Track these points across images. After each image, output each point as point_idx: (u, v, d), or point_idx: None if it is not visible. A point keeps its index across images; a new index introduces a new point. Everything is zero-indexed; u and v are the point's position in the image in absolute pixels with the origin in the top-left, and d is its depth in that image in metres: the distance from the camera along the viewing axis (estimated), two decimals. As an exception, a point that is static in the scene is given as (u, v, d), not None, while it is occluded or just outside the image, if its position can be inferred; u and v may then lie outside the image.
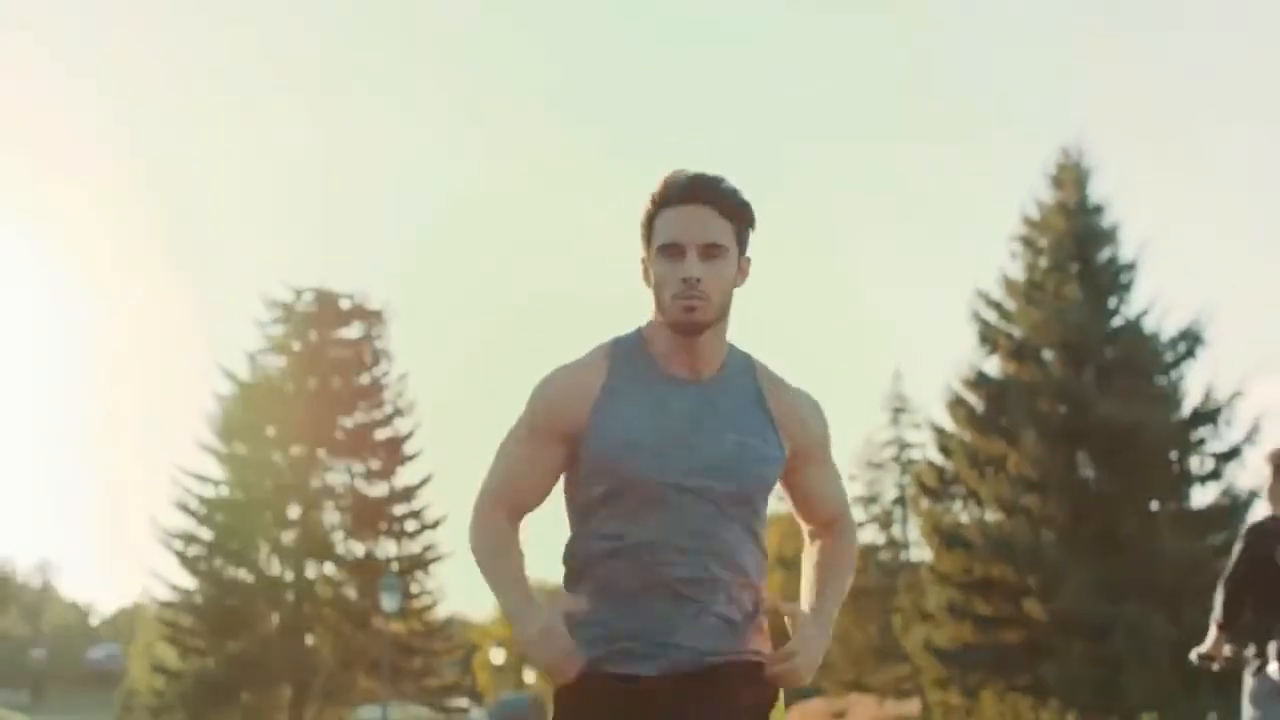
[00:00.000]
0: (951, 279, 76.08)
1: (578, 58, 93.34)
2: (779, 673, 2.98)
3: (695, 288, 2.95)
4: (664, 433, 2.98)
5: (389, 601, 31.00)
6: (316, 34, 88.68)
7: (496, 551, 3.09)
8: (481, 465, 3.15)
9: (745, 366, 3.11)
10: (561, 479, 3.12)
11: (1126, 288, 30.46)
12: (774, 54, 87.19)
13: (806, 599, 3.15)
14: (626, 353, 3.08)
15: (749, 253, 3.09)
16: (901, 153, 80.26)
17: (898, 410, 43.78)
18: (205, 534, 36.57)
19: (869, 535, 43.35)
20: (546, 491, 3.11)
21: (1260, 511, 12.74)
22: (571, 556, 3.08)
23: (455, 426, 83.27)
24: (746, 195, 3.07)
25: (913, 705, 38.16)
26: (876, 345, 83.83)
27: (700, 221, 2.98)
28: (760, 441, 3.02)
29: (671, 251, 2.98)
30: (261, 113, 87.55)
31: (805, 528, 3.29)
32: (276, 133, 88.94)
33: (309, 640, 36.40)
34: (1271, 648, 6.40)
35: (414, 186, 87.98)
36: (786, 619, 3.08)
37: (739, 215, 3.03)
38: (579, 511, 3.07)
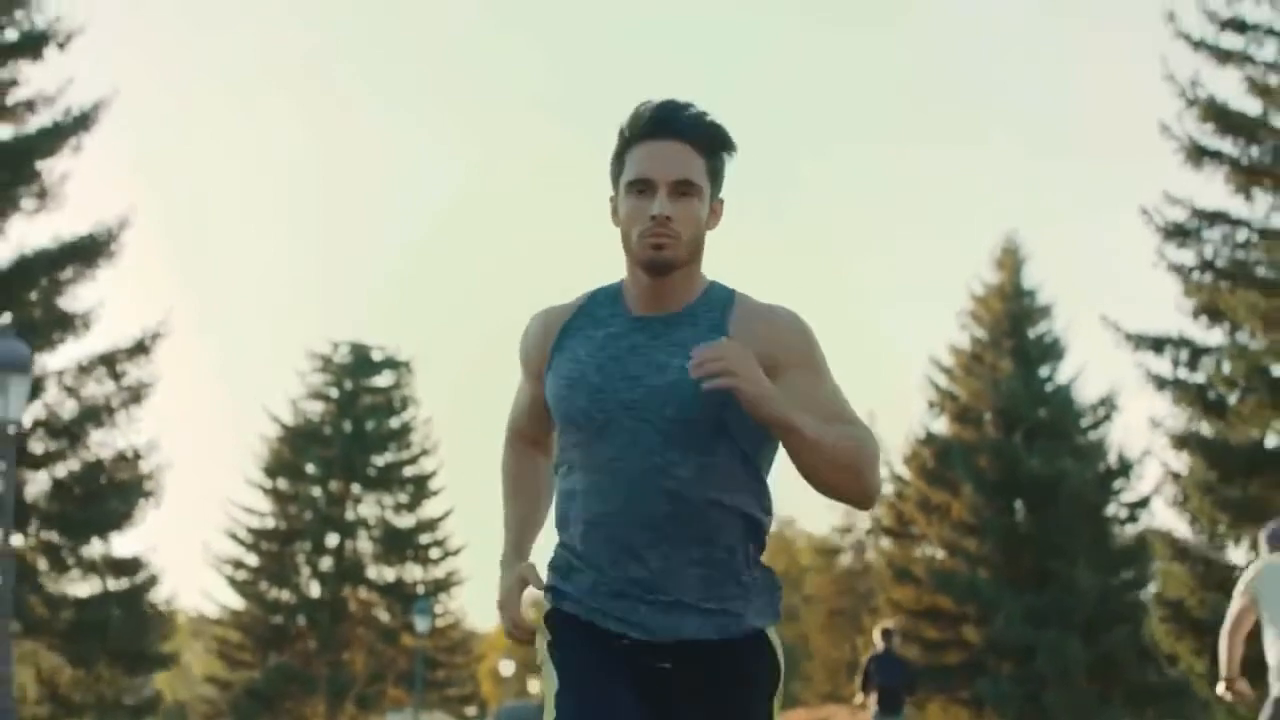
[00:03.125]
0: (945, 293, 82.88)
1: (579, 69, 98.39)
2: (695, 366, 2.78)
3: (665, 225, 2.90)
4: (613, 368, 2.96)
5: (421, 623, 37.89)
6: (316, 34, 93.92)
7: (507, 490, 3.27)
8: (498, 501, 3.29)
9: (720, 300, 3.02)
10: None
11: (1058, 358, 37.33)
12: (771, 61, 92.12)
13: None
14: (601, 297, 3.08)
15: (723, 194, 3.03)
16: (899, 162, 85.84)
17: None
18: (252, 560, 43.19)
19: (847, 560, 50.24)
20: (546, 423, 3.16)
21: None
22: (556, 494, 3.12)
23: (474, 465, 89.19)
24: (722, 123, 3.00)
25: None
26: (873, 358, 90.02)
27: (672, 157, 2.93)
28: None
29: (641, 188, 2.94)
30: (262, 125, 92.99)
31: None
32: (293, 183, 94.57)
33: (344, 655, 43.00)
34: None
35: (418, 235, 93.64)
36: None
37: (714, 149, 2.98)
38: (557, 454, 3.10)
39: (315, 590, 42.76)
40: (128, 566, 22.90)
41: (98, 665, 21.78)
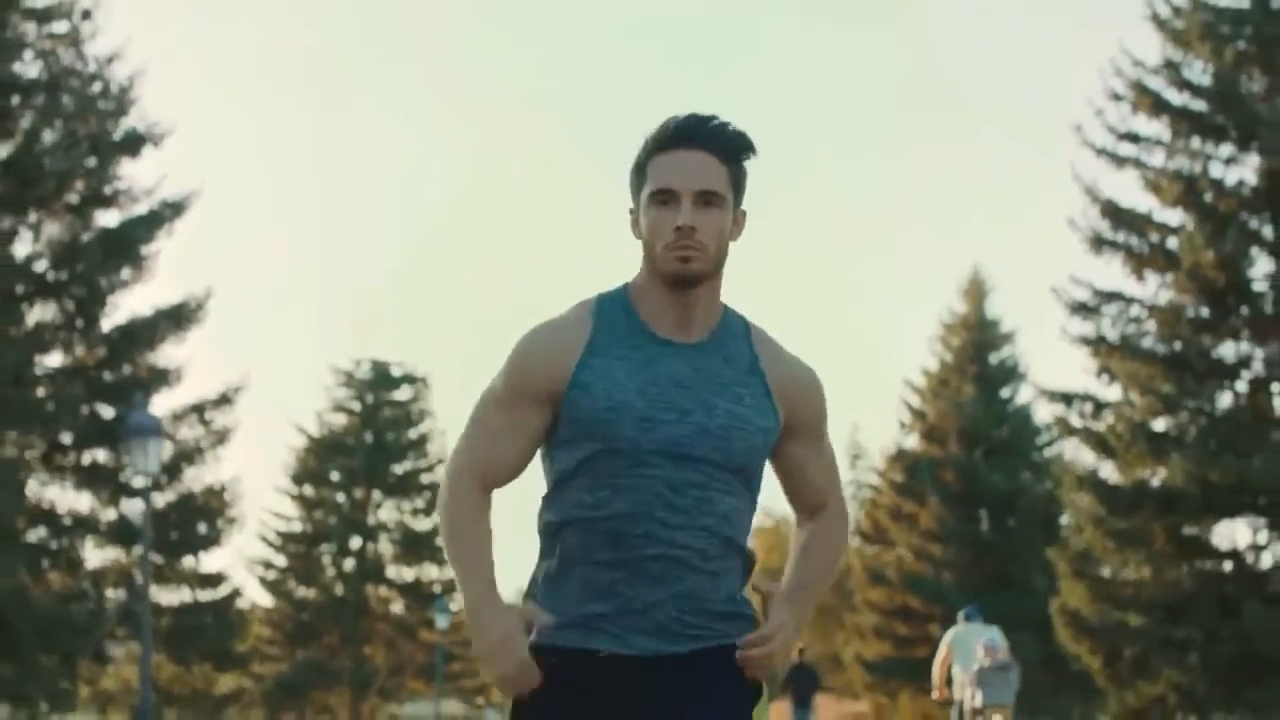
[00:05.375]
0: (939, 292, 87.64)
1: (577, 67, 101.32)
2: (749, 656, 2.98)
3: (690, 237, 2.92)
4: (652, 397, 2.96)
5: (441, 620, 43.48)
6: (315, 33, 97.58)
7: (466, 534, 3.02)
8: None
9: (741, 330, 3.09)
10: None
11: (1019, 380, 42.89)
12: (769, 58, 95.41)
13: (786, 583, 3.15)
14: (612, 310, 3.05)
15: (745, 206, 3.06)
16: (894, 160, 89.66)
17: (855, 457, 56.58)
18: (280, 561, 48.39)
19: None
20: (527, 459, 3.07)
21: None
22: (546, 525, 3.07)
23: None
24: (744, 131, 3.04)
25: (862, 705, 50.73)
26: (872, 354, 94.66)
27: (696, 167, 2.96)
28: (753, 411, 3.01)
29: (664, 199, 2.96)
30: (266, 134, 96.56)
31: (794, 510, 3.27)
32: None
33: (366, 649, 48.30)
34: None
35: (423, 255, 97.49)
36: (762, 599, 3.08)
37: (736, 158, 3.01)
38: (555, 477, 3.04)
39: (339, 589, 47.56)
40: (214, 580, 28.66)
41: (192, 663, 27.48)
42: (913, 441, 43.29)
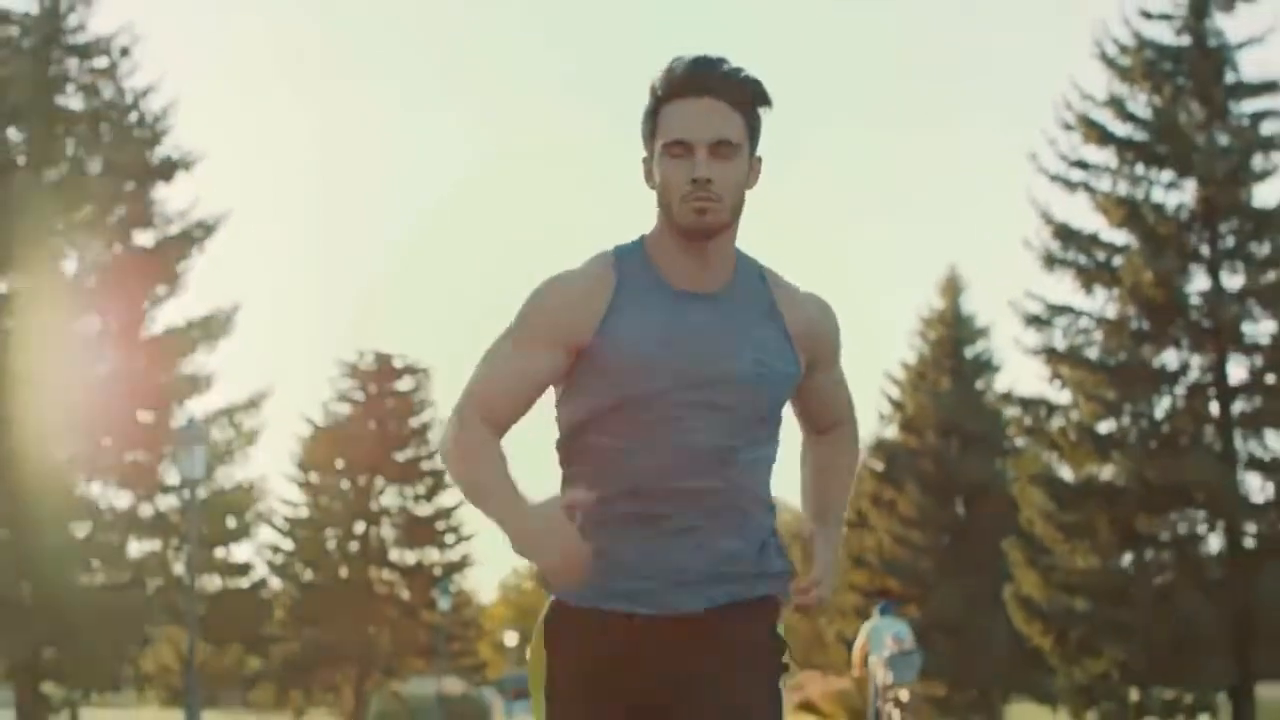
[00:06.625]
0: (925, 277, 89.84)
1: (584, 61, 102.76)
2: (805, 603, 3.15)
3: (706, 188, 2.97)
4: (681, 348, 3.03)
5: (443, 601, 46.65)
6: (319, 28, 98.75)
7: (481, 456, 3.07)
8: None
9: (756, 276, 3.16)
10: (552, 390, 3.15)
11: (993, 373, 46.08)
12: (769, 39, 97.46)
13: (810, 508, 3.35)
14: (631, 264, 3.10)
15: (760, 151, 3.09)
16: (891, 142, 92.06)
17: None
18: (288, 545, 51.15)
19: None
20: (530, 405, 3.13)
21: None
22: (570, 466, 3.15)
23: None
24: (758, 78, 3.06)
25: (845, 681, 53.97)
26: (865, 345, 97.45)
27: (710, 116, 2.99)
28: (778, 358, 3.10)
29: (678, 150, 2.99)
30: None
31: (803, 429, 3.39)
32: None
33: (370, 630, 51.17)
34: None
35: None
36: (803, 544, 3.25)
37: (750, 105, 3.04)
38: (577, 426, 3.12)
39: (344, 572, 50.02)
40: (243, 569, 32.03)
41: (225, 645, 30.85)
42: (892, 432, 46.51)
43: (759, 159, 3.10)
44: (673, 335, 3.05)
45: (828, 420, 3.38)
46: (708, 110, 3.00)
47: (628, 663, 3.06)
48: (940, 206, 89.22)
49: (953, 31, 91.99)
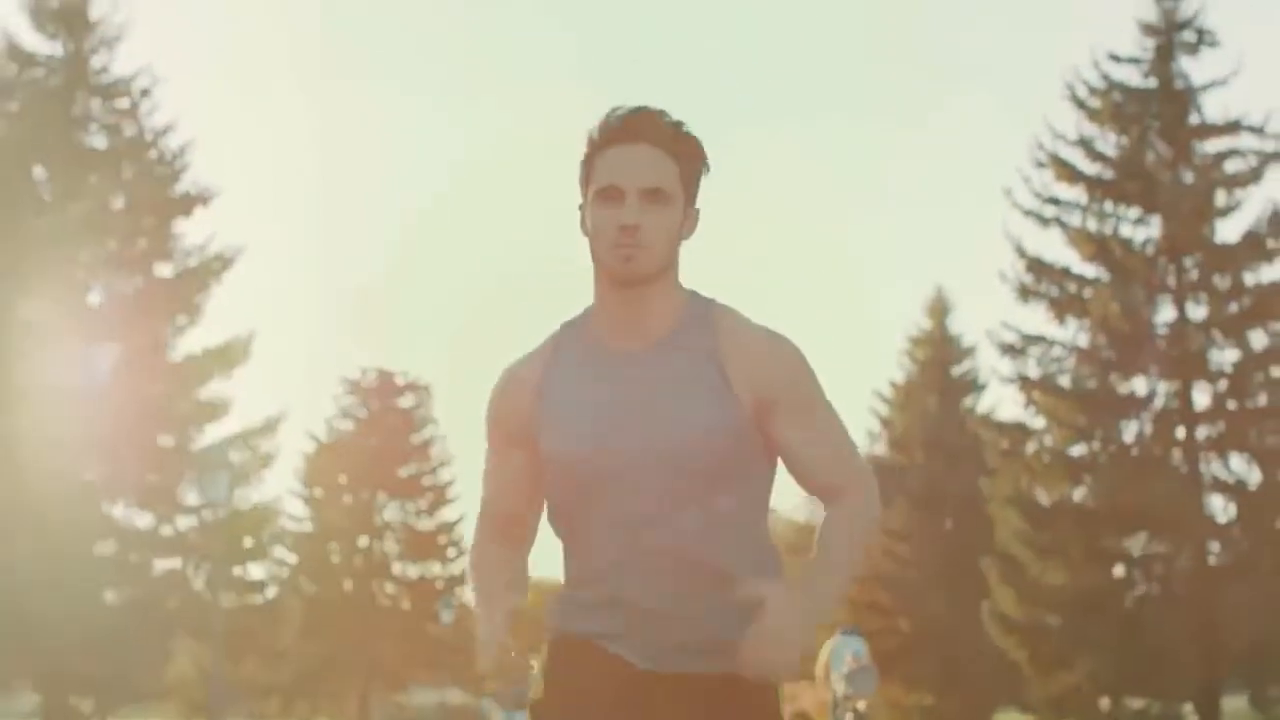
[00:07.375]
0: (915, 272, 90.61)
1: (582, 61, 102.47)
2: (745, 661, 2.90)
3: (634, 235, 2.92)
4: (600, 419, 2.99)
5: (446, 615, 48.38)
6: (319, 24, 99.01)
7: (476, 567, 3.18)
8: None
9: (704, 320, 3.05)
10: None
11: (980, 391, 48.01)
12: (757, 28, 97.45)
13: (799, 576, 3.10)
14: (571, 335, 3.09)
15: (699, 204, 3.04)
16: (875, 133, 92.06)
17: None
18: (292, 559, 52.58)
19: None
20: (531, 500, 3.16)
21: None
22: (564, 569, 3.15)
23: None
24: (695, 133, 3.01)
25: (838, 691, 55.93)
26: (843, 367, 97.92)
27: (642, 162, 2.95)
28: (704, 405, 2.97)
29: (609, 195, 2.96)
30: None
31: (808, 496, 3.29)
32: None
33: (374, 642, 52.69)
34: None
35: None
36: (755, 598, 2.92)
37: (687, 155, 2.99)
38: (549, 515, 3.16)
39: (348, 585, 51.48)
40: (259, 586, 33.97)
41: (241, 659, 32.75)
42: (881, 449, 48.50)
43: (696, 210, 3.07)
44: (594, 405, 3.04)
45: (814, 481, 3.18)
46: (641, 156, 2.98)
47: (616, 705, 3.05)
48: (929, 229, 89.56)
49: (947, 33, 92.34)
